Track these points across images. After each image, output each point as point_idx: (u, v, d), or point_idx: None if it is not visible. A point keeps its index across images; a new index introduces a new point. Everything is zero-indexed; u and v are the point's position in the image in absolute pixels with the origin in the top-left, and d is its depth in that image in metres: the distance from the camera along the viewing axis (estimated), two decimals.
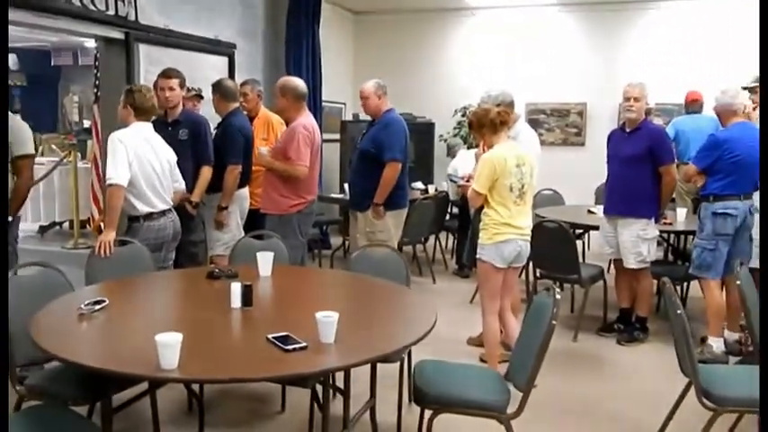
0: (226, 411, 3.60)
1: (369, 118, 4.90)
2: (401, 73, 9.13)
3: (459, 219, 6.64)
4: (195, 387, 3.38)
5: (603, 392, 3.90)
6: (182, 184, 4.10)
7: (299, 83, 4.56)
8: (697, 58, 8.09)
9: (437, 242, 7.03)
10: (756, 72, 4.71)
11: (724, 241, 4.29)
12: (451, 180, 6.60)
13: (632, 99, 4.52)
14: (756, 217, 4.44)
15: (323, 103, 7.85)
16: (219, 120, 4.85)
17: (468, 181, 4.48)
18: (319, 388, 2.79)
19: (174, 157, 4.00)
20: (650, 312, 4.81)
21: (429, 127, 8.59)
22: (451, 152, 7.13)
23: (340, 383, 2.91)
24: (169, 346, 2.04)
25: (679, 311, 2.83)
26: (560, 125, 8.68)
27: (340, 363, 2.25)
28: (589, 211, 5.60)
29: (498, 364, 3.67)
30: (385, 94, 4.74)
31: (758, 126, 4.45)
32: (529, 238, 3.81)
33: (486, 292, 3.82)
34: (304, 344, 2.24)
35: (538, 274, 5.13)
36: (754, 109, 4.57)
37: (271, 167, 4.48)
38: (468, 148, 7.00)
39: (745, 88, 4.58)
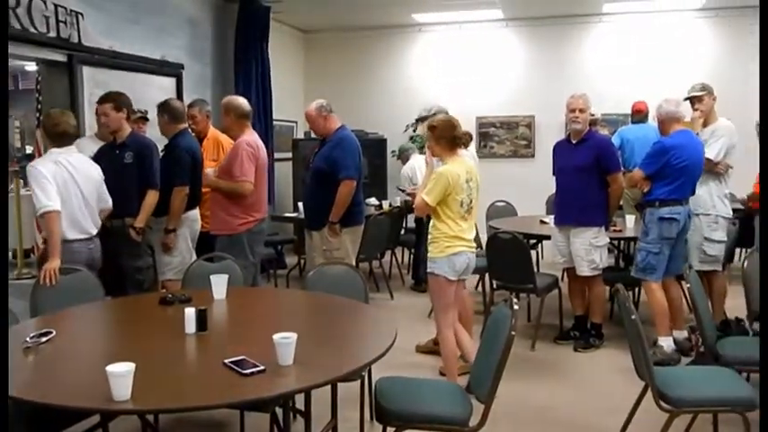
0: None
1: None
2: (352, 90, 9.18)
3: (417, 233, 6.65)
4: (150, 417, 3.28)
5: (563, 399, 3.94)
6: (108, 203, 4.03)
7: (242, 101, 4.56)
8: (639, 71, 8.37)
9: (393, 257, 7.03)
10: (696, 81, 4.89)
11: (668, 245, 4.41)
12: (399, 189, 6.62)
13: (577, 110, 4.61)
14: (693, 221, 4.59)
15: (274, 122, 7.81)
16: (166, 142, 4.76)
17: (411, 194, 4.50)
18: (279, 411, 2.74)
19: (99, 176, 3.95)
20: (604, 318, 4.87)
21: (381, 143, 8.63)
22: (403, 156, 7.15)
23: (301, 405, 2.86)
24: (121, 377, 1.97)
25: (633, 317, 2.88)
26: (510, 137, 8.83)
27: (300, 385, 2.20)
28: (541, 222, 5.68)
29: (458, 377, 3.67)
30: (330, 112, 4.71)
31: (705, 135, 4.63)
32: (475, 251, 3.86)
33: (440, 305, 3.83)
34: (262, 367, 2.19)
35: (494, 286, 5.17)
36: (699, 117, 4.72)
37: (216, 187, 4.44)
38: (421, 152, 7.02)
39: (686, 99, 4.72)
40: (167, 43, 6.47)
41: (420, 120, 4.62)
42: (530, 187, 7.53)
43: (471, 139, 3.88)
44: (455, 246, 3.68)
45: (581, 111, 4.58)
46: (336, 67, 9.36)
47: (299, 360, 2.25)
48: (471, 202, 3.72)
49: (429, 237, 3.79)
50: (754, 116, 5.25)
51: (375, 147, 8.54)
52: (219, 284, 3.21)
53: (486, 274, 5.40)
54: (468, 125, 8.64)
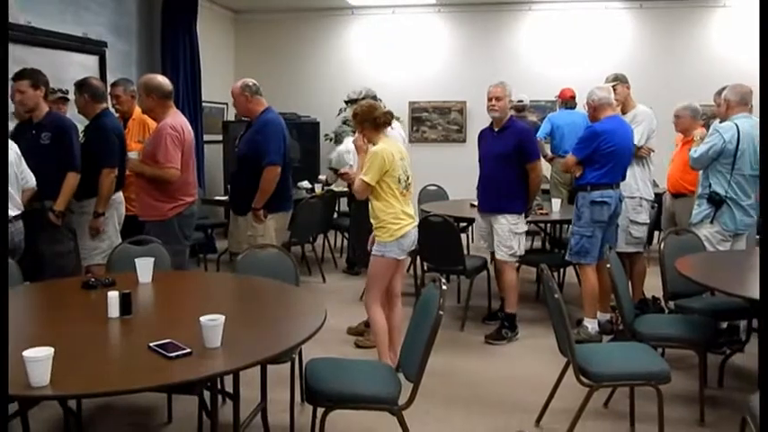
0: (107, 427, 3.41)
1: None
2: (284, 72, 9.07)
3: (350, 216, 6.64)
4: (72, 404, 3.18)
5: (490, 378, 4.05)
6: (29, 182, 3.88)
7: (162, 80, 4.35)
8: (568, 58, 8.61)
9: (326, 241, 7.02)
10: (614, 71, 5.07)
11: (600, 228, 4.56)
12: (330, 168, 6.56)
13: (494, 99, 4.58)
14: (623, 204, 4.77)
15: (203, 104, 7.63)
16: (86, 122, 4.58)
17: (344, 174, 4.49)
18: (208, 395, 2.71)
19: (16, 155, 3.78)
20: (517, 307, 4.82)
21: (314, 126, 8.57)
22: (338, 139, 7.12)
23: (230, 388, 2.84)
24: (38, 362, 1.90)
25: (556, 295, 2.98)
26: (442, 122, 8.92)
27: (227, 367, 2.18)
28: (471, 205, 5.76)
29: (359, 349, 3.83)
30: (256, 93, 4.53)
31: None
32: (416, 224, 3.95)
33: (379, 284, 3.88)
34: (188, 350, 2.16)
35: (425, 268, 5.24)
36: (616, 105, 4.88)
37: (141, 172, 4.30)
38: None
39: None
40: (89, 20, 6.21)
41: (349, 102, 4.60)
42: (461, 172, 7.61)
43: (393, 117, 3.90)
44: (403, 226, 3.79)
45: (497, 99, 4.56)
46: (268, 49, 9.21)
47: (227, 342, 2.23)
48: (408, 178, 3.85)
49: (374, 221, 3.83)
50: (676, 102, 5.50)
51: (308, 130, 8.49)
52: (145, 268, 3.14)
53: (418, 257, 5.47)
54: (400, 110, 8.79)
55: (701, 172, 4.55)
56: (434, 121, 9.00)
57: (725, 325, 4.32)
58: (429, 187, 6.99)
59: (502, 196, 4.65)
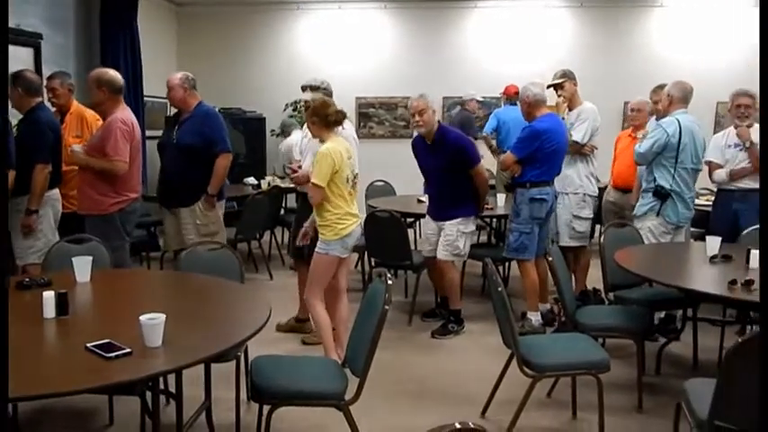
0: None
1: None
2: (229, 67, 8.94)
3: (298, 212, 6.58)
4: (9, 408, 3.06)
5: (436, 371, 4.08)
6: None
7: (114, 74, 4.33)
8: (513, 55, 8.74)
9: (272, 238, 6.95)
10: (557, 69, 5.17)
11: (538, 224, 4.65)
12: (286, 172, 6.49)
13: (417, 114, 4.46)
14: (563, 199, 4.88)
15: (144, 98, 7.45)
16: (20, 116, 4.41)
17: (296, 171, 4.45)
18: (150, 395, 2.65)
19: None
20: (461, 303, 4.87)
21: (260, 122, 8.47)
22: (286, 132, 7.06)
23: (174, 388, 2.78)
24: None
25: (500, 289, 3.02)
26: (389, 118, 8.94)
27: (168, 366, 2.13)
28: (419, 200, 5.82)
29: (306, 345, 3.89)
30: (193, 88, 4.66)
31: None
32: (360, 221, 3.96)
33: (321, 281, 3.87)
34: (128, 350, 2.11)
35: (373, 263, 5.25)
36: (563, 102, 4.98)
37: (86, 165, 4.20)
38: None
39: (549, 86, 4.96)
40: (23, 11, 5.97)
41: (307, 87, 4.52)
42: (408, 167, 7.63)
43: (344, 117, 3.87)
44: (348, 226, 3.78)
45: (420, 113, 4.45)
46: (212, 43, 9.06)
47: (169, 341, 2.18)
48: (355, 177, 3.86)
49: (319, 219, 3.81)
50: (614, 99, 5.66)
51: (253, 125, 8.40)
52: (83, 266, 3.04)
53: (365, 252, 5.48)
54: (347, 105, 8.71)
55: (644, 166, 4.67)
56: (381, 117, 9.02)
57: (662, 314, 4.46)
58: (376, 183, 7.00)
59: (452, 206, 4.64)
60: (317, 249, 3.84)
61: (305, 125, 4.70)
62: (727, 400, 2.35)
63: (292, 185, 4.84)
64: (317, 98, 3.96)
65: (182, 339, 2.28)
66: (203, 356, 2.22)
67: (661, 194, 4.48)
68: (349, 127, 4.52)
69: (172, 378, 2.64)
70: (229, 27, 9.07)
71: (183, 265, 3.44)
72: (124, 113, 4.27)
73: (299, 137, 4.74)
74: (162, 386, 3.19)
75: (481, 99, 7.76)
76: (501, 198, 5.79)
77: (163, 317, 2.19)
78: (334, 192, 3.73)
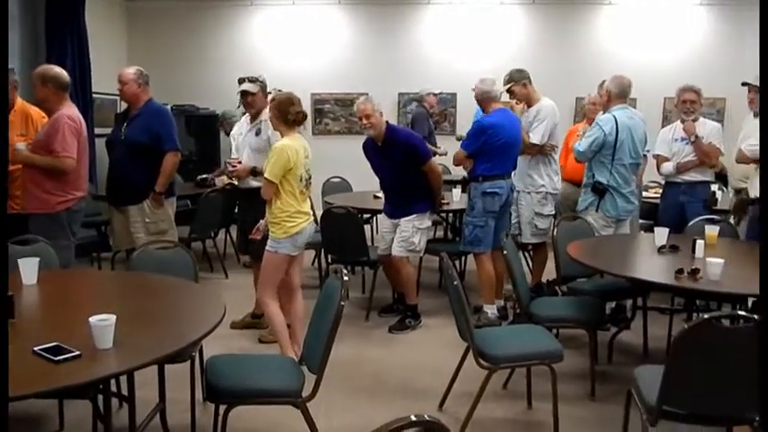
0: None
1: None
2: (182, 63, 8.79)
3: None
4: None
5: (394, 366, 4.10)
6: None
7: (60, 71, 4.25)
8: (467, 52, 8.82)
9: (227, 236, 6.87)
10: (509, 66, 5.21)
11: (492, 218, 4.70)
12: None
13: (364, 117, 4.47)
14: (525, 197, 4.94)
15: (93, 95, 7.27)
16: None
17: (235, 166, 4.43)
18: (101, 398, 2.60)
19: None
20: (418, 298, 4.91)
21: (213, 118, 8.34)
22: (226, 124, 6.95)
23: (126, 391, 2.73)
24: None
25: (455, 282, 3.05)
26: (345, 114, 8.91)
27: (119, 368, 2.09)
28: (375, 196, 5.82)
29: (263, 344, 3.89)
30: (146, 84, 4.61)
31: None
32: (312, 220, 3.93)
33: (274, 280, 3.85)
34: (77, 352, 2.06)
35: (329, 260, 5.23)
36: (516, 103, 5.03)
37: (31, 163, 4.09)
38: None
39: (503, 91, 4.99)
40: None
41: (246, 79, 4.51)
42: (364, 163, 7.65)
43: (305, 118, 3.85)
44: (298, 224, 3.75)
45: (367, 117, 4.46)
46: (164, 39, 8.89)
47: (120, 343, 2.14)
48: (310, 177, 3.84)
49: (270, 217, 3.79)
50: (566, 95, 5.77)
51: (206, 122, 8.27)
52: (29, 268, 2.95)
53: (322, 250, 5.47)
54: (302, 102, 8.69)
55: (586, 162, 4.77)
56: (337, 114, 8.99)
57: (614, 304, 4.57)
58: (332, 179, 6.98)
59: (407, 204, 4.67)
60: (267, 248, 3.82)
61: (241, 120, 4.69)
62: (675, 385, 2.43)
63: (230, 181, 4.80)
64: (282, 93, 3.92)
65: (133, 340, 2.23)
66: (155, 357, 2.17)
67: (599, 190, 4.58)
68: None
69: (125, 381, 2.60)
70: (182, 22, 8.91)
71: (134, 264, 3.38)
72: (70, 110, 4.19)
73: (235, 131, 4.71)
74: (115, 389, 3.14)
75: (438, 93, 7.78)
76: (457, 193, 5.84)
77: (113, 318, 2.14)
78: (286, 189, 3.70)
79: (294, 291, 4.03)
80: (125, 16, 8.90)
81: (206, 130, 8.25)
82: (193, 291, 3.01)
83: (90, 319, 2.13)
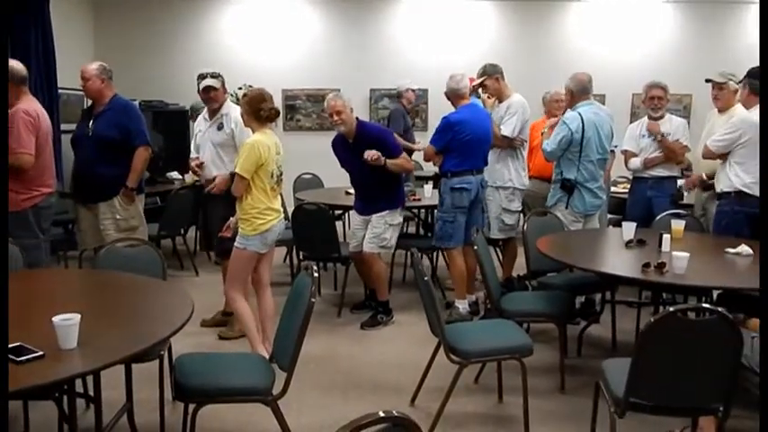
0: None
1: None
2: (151, 58, 8.67)
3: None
4: None
5: (366, 362, 4.10)
6: None
7: (18, 65, 4.12)
8: (440, 47, 8.84)
9: (197, 233, 6.78)
10: (481, 61, 5.24)
11: (461, 213, 4.72)
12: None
13: (335, 114, 4.43)
14: (492, 193, 4.96)
15: (59, 91, 7.12)
16: None
17: (199, 167, 4.42)
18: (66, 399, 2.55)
19: None
20: (389, 294, 4.92)
21: (183, 114, 8.23)
22: (194, 115, 6.88)
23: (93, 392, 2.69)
24: None
25: (426, 278, 3.06)
26: (316, 110, 8.86)
27: (84, 368, 2.05)
28: (347, 193, 5.80)
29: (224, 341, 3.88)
30: (110, 79, 4.55)
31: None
32: (282, 217, 3.91)
33: (240, 276, 3.83)
34: (40, 352, 2.02)
35: (301, 257, 5.21)
36: (488, 98, 5.05)
37: None
38: None
39: (476, 87, 5.01)
40: None
41: (208, 75, 4.48)
42: (336, 160, 7.67)
43: (278, 115, 3.82)
44: (268, 221, 3.73)
45: (338, 113, 4.43)
46: (132, 34, 8.74)
47: (85, 342, 2.10)
48: (281, 174, 3.81)
49: (239, 213, 3.76)
50: (537, 91, 5.81)
51: (176, 118, 8.16)
52: None
53: (293, 247, 5.44)
54: (273, 98, 8.63)
55: None
56: (308, 110, 8.94)
57: (583, 298, 4.62)
58: (304, 175, 6.95)
59: (378, 200, 4.66)
60: (236, 244, 3.79)
61: (199, 117, 4.65)
62: (642, 377, 2.46)
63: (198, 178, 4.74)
64: (254, 89, 3.89)
65: (99, 340, 2.20)
66: (121, 357, 2.14)
67: (567, 187, 4.63)
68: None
69: (91, 381, 2.55)
70: (150, 17, 8.77)
71: (101, 262, 3.32)
72: (28, 104, 4.07)
73: (195, 129, 4.69)
74: (81, 390, 3.09)
75: (416, 88, 7.74)
76: (428, 189, 5.85)
77: (77, 317, 2.10)
78: (257, 185, 3.68)
79: (263, 288, 4.00)
80: (91, 10, 8.73)
81: (175, 126, 8.14)
82: (161, 289, 2.97)
83: (53, 318, 2.09)
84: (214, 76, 4.48)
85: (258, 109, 3.70)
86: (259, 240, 3.75)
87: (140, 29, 8.76)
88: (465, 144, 4.61)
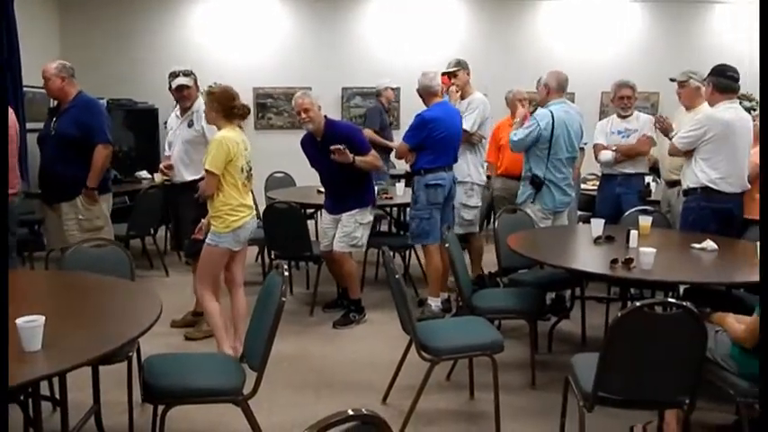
0: None
1: None
2: (118, 56, 8.53)
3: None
4: None
5: (339, 361, 4.09)
6: None
7: None
8: (410, 45, 8.85)
9: (168, 233, 6.72)
10: (454, 58, 5.26)
11: (437, 209, 4.73)
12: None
13: (302, 112, 4.42)
14: (457, 187, 4.98)
15: (24, 89, 6.98)
16: None
17: (169, 168, 4.39)
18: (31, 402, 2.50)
19: None
20: (362, 293, 4.92)
21: (152, 113, 8.14)
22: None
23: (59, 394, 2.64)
24: None
25: (397, 276, 3.06)
26: (288, 109, 8.79)
27: (49, 370, 2.02)
28: (318, 191, 5.77)
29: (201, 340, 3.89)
30: (72, 77, 4.49)
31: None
32: (254, 214, 3.89)
33: (212, 274, 3.81)
34: None
35: (273, 256, 5.18)
36: (456, 92, 5.07)
37: None
38: None
39: (445, 73, 5.05)
40: None
41: (180, 73, 4.44)
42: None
43: (249, 112, 3.81)
44: (240, 218, 3.70)
45: (306, 111, 4.41)
46: (100, 31, 8.59)
47: (50, 344, 2.06)
48: (251, 170, 3.79)
49: (211, 210, 3.72)
50: (506, 89, 5.85)
51: (145, 117, 8.06)
52: None
53: (265, 246, 5.40)
54: (245, 96, 8.53)
55: (523, 155, 4.84)
56: (280, 108, 8.88)
57: (554, 295, 4.67)
58: (276, 174, 6.90)
59: (348, 198, 4.65)
60: (207, 241, 3.75)
61: (171, 115, 4.61)
62: (609, 371, 2.50)
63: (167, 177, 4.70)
64: (221, 86, 3.85)
65: (65, 341, 2.16)
66: (88, 358, 2.11)
67: (536, 183, 4.68)
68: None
69: (58, 383, 2.51)
70: (118, 13, 8.62)
71: (67, 263, 3.26)
72: None
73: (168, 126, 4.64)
74: (48, 392, 3.04)
75: (395, 87, 7.73)
76: (400, 187, 5.85)
77: (42, 319, 2.07)
78: (228, 181, 3.65)
79: (237, 287, 3.98)
80: (57, 7, 8.56)
81: (144, 124, 8.04)
82: (129, 289, 2.93)
83: (17, 320, 2.05)
84: (186, 74, 4.45)
85: (231, 107, 3.68)
86: (232, 237, 3.72)
87: (107, 26, 8.62)
88: (439, 141, 4.62)
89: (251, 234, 3.88)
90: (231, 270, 3.90)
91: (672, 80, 4.89)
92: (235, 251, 3.81)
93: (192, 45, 8.67)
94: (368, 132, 6.88)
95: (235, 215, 3.69)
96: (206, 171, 3.63)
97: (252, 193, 3.95)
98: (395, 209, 6.24)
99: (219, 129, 3.72)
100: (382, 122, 7.15)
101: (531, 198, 4.70)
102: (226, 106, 3.68)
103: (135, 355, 3.08)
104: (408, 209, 5.08)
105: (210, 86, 3.99)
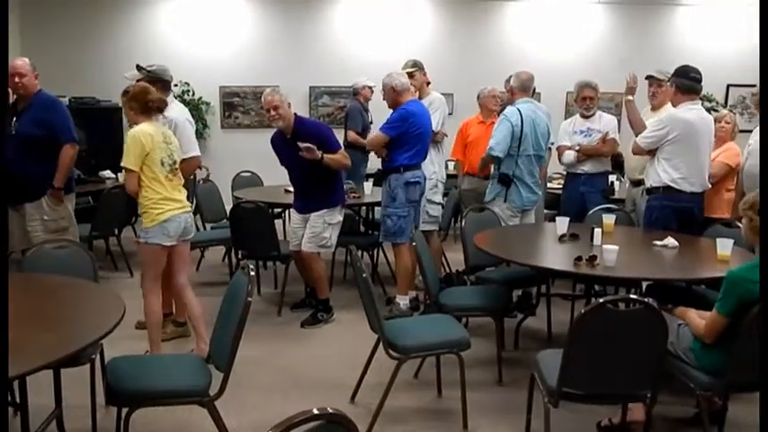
0: None
1: None
2: (81, 53, 8.40)
3: None
4: None
5: (306, 361, 4.08)
6: None
7: None
8: (378, 44, 8.85)
9: (133, 233, 6.61)
10: (417, 58, 5.29)
11: (413, 207, 4.75)
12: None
13: (272, 109, 4.38)
14: (426, 184, 5.00)
15: None
16: None
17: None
18: None
19: None
20: (330, 292, 4.91)
21: (116, 111, 7.98)
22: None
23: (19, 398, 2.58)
24: None
25: (364, 275, 3.07)
26: (255, 108, 8.75)
27: (9, 373, 1.97)
28: (286, 191, 5.75)
29: (161, 344, 3.85)
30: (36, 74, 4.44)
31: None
32: (191, 212, 3.85)
33: (152, 273, 3.76)
34: None
35: (239, 256, 5.14)
36: (414, 92, 5.08)
37: None
38: None
39: (409, 73, 5.06)
40: None
41: (140, 69, 4.37)
42: (275, 157, 7.58)
43: (166, 104, 3.77)
44: (165, 211, 3.65)
45: (275, 108, 4.37)
46: (61, 28, 8.43)
47: (10, 347, 2.02)
48: (174, 163, 3.72)
49: (138, 207, 3.71)
50: (474, 88, 5.89)
51: (108, 115, 7.92)
52: None
53: (232, 246, 5.36)
54: (211, 95, 8.50)
55: None
56: (247, 107, 8.82)
57: (520, 292, 4.72)
58: (243, 174, 6.85)
59: (317, 198, 4.63)
60: (139, 239, 3.72)
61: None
62: (573, 367, 2.53)
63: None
64: (137, 85, 3.81)
65: (25, 344, 2.12)
66: (48, 361, 2.07)
67: (505, 181, 4.72)
68: (179, 111, 4.33)
69: (18, 387, 2.46)
70: (82, 10, 8.46)
71: (27, 265, 3.19)
72: None
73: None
74: (9, 396, 2.97)
75: (373, 85, 7.70)
76: (368, 186, 5.85)
77: None
78: (148, 176, 3.60)
79: (182, 289, 3.90)
80: (17, 2, 8.38)
81: (107, 123, 7.91)
82: (92, 291, 2.89)
83: None
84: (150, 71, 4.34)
85: (146, 101, 3.63)
86: (159, 231, 3.64)
87: (70, 22, 8.46)
88: (415, 137, 4.64)
89: (184, 230, 3.78)
90: (172, 271, 3.84)
91: (648, 78, 4.96)
92: (167, 246, 3.71)
93: (157, 42, 8.56)
94: (352, 135, 6.85)
95: (158, 208, 3.63)
96: (124, 169, 3.59)
97: (188, 188, 3.88)
98: (363, 208, 6.23)
99: (137, 125, 3.64)
100: (363, 123, 7.08)
101: (500, 196, 4.73)
102: (141, 102, 3.63)
103: (98, 357, 3.03)
104: (380, 207, 5.05)
105: (177, 85, 3.94)
